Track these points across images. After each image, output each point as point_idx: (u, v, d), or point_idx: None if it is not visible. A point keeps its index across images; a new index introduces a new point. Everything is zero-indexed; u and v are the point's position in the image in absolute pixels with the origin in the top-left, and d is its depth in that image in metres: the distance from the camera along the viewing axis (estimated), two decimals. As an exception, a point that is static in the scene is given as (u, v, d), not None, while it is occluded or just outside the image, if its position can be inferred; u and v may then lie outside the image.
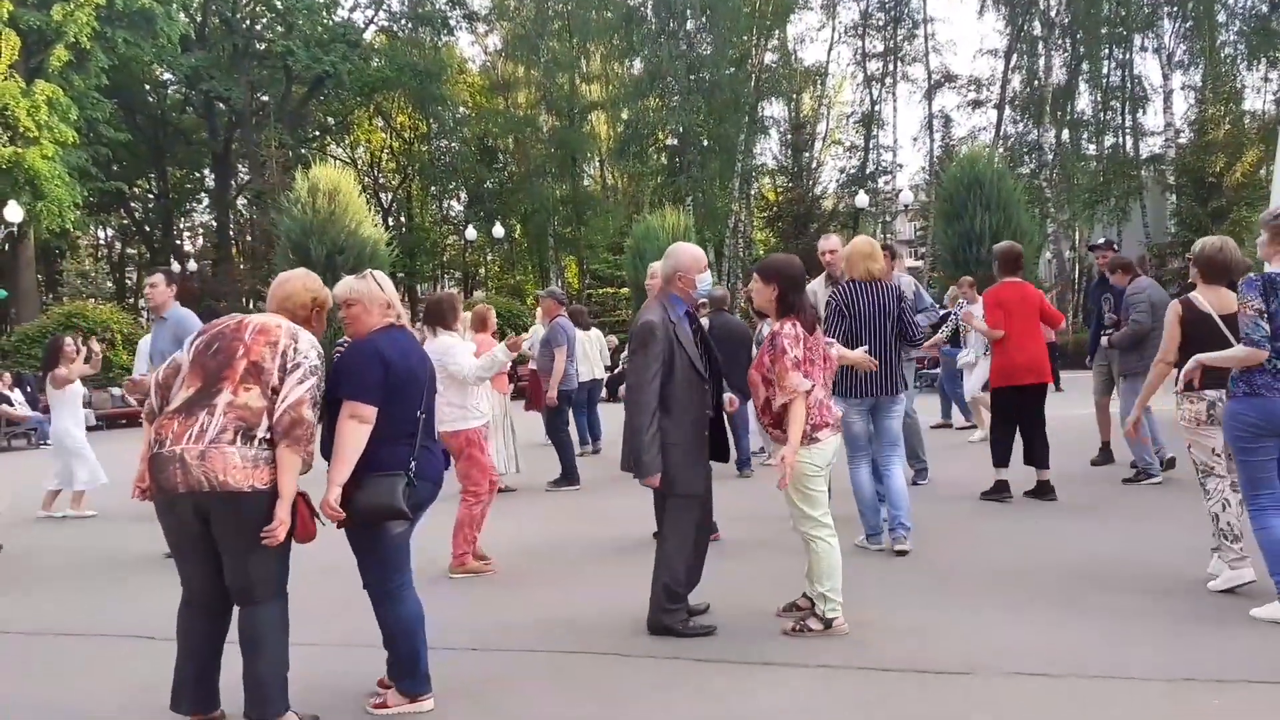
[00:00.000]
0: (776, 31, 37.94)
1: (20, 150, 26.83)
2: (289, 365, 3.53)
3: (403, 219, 45.86)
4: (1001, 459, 7.67)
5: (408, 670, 3.85)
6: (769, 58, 38.25)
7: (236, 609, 3.60)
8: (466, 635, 4.65)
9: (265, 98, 39.25)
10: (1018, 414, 7.62)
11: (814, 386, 4.58)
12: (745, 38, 36.74)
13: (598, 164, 42.42)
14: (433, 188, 45.16)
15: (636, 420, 4.70)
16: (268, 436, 3.48)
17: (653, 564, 4.88)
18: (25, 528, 8.77)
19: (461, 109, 43.50)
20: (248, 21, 39.85)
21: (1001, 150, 33.71)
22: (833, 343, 5.14)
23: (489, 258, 45.95)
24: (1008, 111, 37.60)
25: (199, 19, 38.54)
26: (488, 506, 6.30)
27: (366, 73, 39.39)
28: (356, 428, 3.63)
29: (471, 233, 35.26)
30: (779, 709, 3.78)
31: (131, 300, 38.71)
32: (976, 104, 39.03)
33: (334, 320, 4.12)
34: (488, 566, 6.16)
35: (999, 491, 7.64)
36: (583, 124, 39.43)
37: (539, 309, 10.59)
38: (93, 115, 29.93)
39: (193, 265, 37.17)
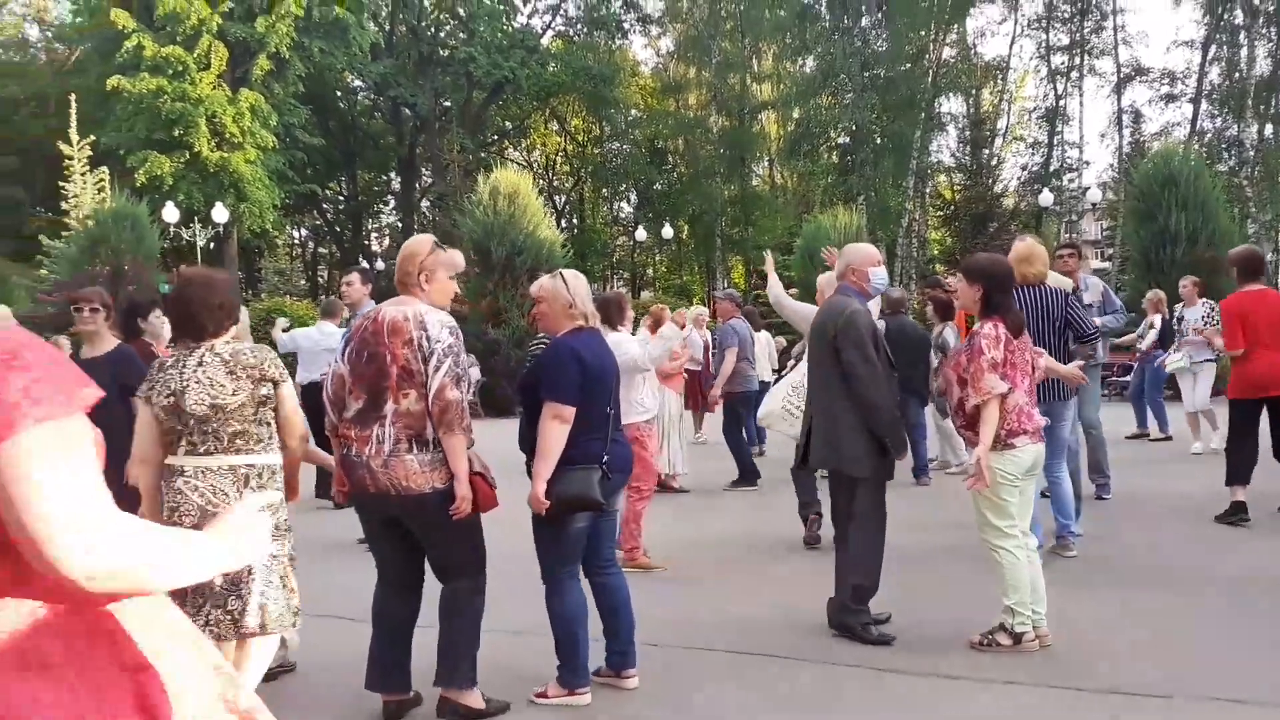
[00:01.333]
0: (955, 26, 36.77)
1: (226, 155, 28.78)
2: (425, 356, 3.68)
3: (574, 220, 46.81)
4: (1239, 476, 6.94)
5: (567, 661, 3.97)
6: (947, 52, 37.13)
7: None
8: (643, 631, 4.73)
9: (448, 103, 40.75)
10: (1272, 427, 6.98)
11: (1010, 390, 4.42)
12: (922, 33, 35.76)
13: (766, 163, 42.20)
14: (604, 190, 45.92)
15: (878, 404, 4.65)
16: (437, 438, 3.66)
17: (833, 565, 4.84)
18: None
19: (633, 111, 44.06)
20: (432, 29, 41.46)
21: (1197, 147, 31.69)
22: (1042, 352, 4.96)
23: (656, 258, 46.39)
24: (1204, 105, 35.34)
25: (387, 28, 40.37)
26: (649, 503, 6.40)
27: (543, 77, 40.37)
28: (558, 427, 3.80)
29: (642, 233, 35.67)
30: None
31: (323, 296, 40.88)
32: (1170, 98, 36.83)
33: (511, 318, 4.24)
34: (659, 563, 6.23)
35: (1236, 513, 6.85)
36: (752, 124, 39.29)
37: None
38: (290, 121, 31.77)
39: (380, 265, 38.94)
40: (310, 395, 8.68)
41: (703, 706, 3.95)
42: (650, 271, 47.48)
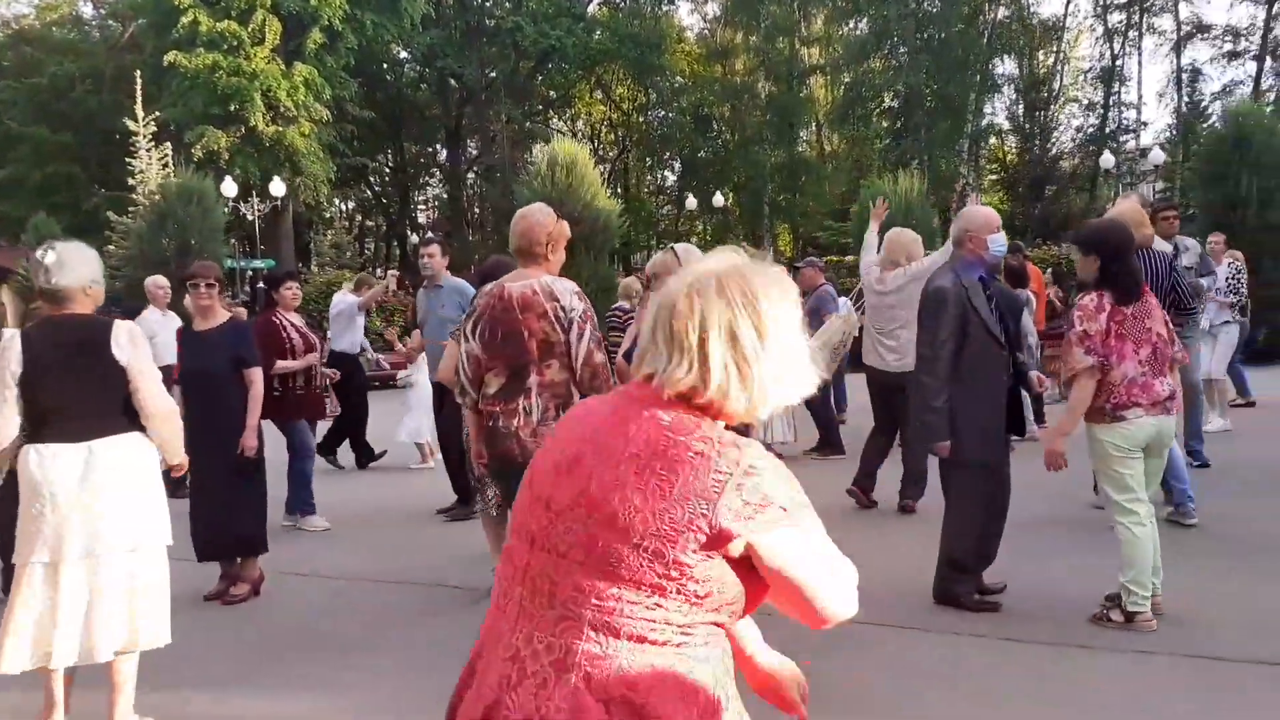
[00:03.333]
0: (1009, -16, 36.12)
1: (281, 128, 28.99)
2: (564, 326, 3.79)
3: (619, 189, 46.69)
4: None
5: None
6: (1002, 13, 36.45)
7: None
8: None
9: (494, 74, 40.68)
10: None
11: (1098, 363, 4.28)
12: (976, -8, 35.16)
13: (815, 129, 41.76)
14: (648, 158, 45.72)
15: (927, 389, 4.64)
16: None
17: (934, 531, 4.87)
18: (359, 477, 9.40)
19: (678, 79, 43.74)
20: (478, 0, 41.38)
21: (1269, 108, 30.93)
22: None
23: (701, 227, 46.21)
24: (1269, 63, 34.45)
25: (434, -1, 40.39)
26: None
27: (589, 45, 40.15)
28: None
29: (692, 201, 35.50)
30: (1101, 691, 3.70)
31: (374, 270, 41.20)
32: (1233, 55, 35.98)
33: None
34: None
35: None
36: (801, 88, 38.84)
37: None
38: (340, 94, 31.89)
39: (430, 235, 39.19)
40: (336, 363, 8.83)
41: (828, 676, 3.99)
42: (694, 240, 47.32)
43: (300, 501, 7.24)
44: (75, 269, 3.63)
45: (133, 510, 3.59)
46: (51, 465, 3.49)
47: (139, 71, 22.60)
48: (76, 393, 3.56)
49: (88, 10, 44.38)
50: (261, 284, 7.23)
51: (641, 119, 44.78)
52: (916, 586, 4.93)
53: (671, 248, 4.27)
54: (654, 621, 1.41)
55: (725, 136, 42.29)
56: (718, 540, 1.41)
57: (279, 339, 7.04)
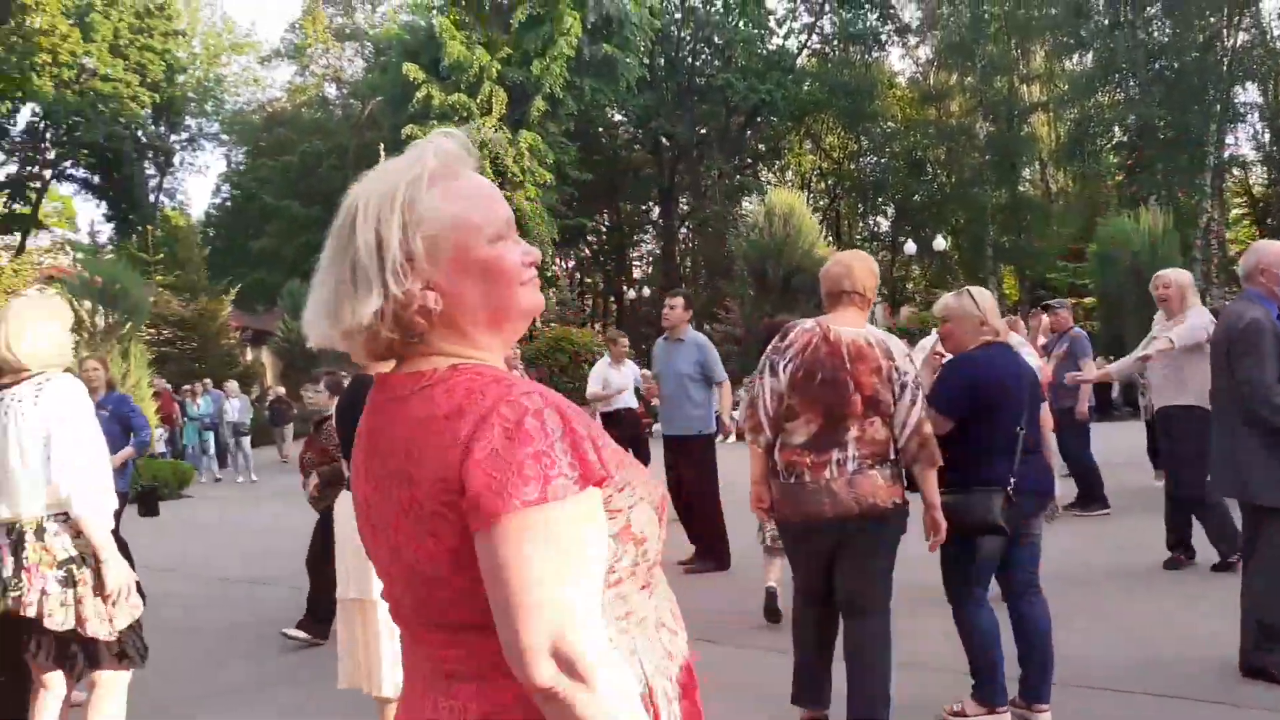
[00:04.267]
0: (1248, 9, 33.73)
1: (509, 194, 30.50)
2: (896, 388, 3.62)
3: (830, 238, 46.34)
4: None
5: (984, 678, 3.87)
6: (1242, 38, 34.06)
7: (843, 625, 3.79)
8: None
9: (705, 130, 41.43)
10: None
11: None
12: (1212, 19, 33.02)
13: (1039, 167, 40.18)
14: (860, 205, 45.23)
15: (1266, 417, 4.25)
16: (894, 457, 3.65)
17: (1231, 594, 4.48)
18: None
19: (890, 124, 43.20)
20: (690, 59, 42.36)
21: None
22: None
23: (916, 272, 45.12)
24: None
25: (646, 61, 41.64)
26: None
27: (799, 97, 40.34)
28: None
29: (911, 246, 34.68)
30: None
31: (596, 326, 42.54)
32: None
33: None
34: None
35: None
36: (1022, 127, 37.53)
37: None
38: (561, 159, 33.28)
39: (646, 291, 40.01)
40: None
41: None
42: (909, 286, 46.24)
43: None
44: None
45: None
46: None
47: (381, 146, 24.33)
48: None
49: (332, 91, 48.28)
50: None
51: (853, 166, 44.46)
52: (1207, 652, 4.55)
53: (966, 290, 4.09)
54: None
55: (941, 179, 41.34)
56: None
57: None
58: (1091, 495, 8.51)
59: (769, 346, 3.82)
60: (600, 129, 43.25)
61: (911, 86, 44.06)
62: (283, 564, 7.71)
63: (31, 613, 3.24)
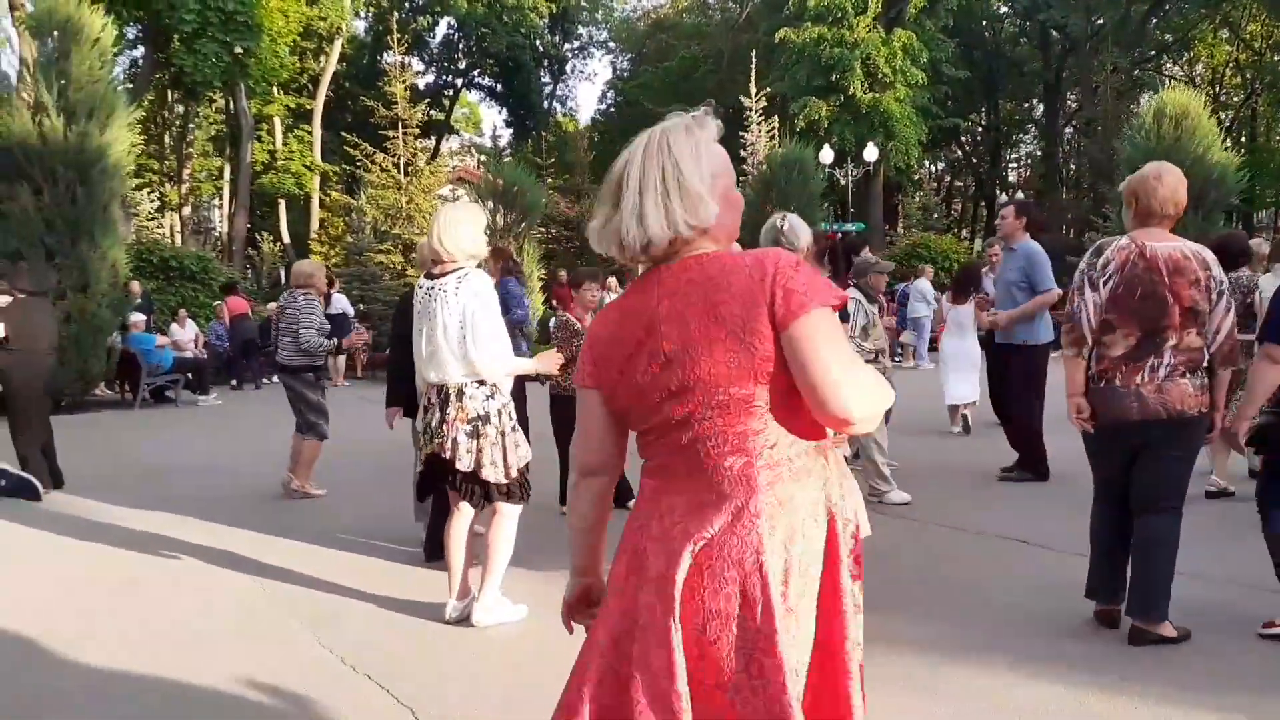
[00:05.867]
0: None
1: (878, 95, 30.05)
2: (1214, 295, 3.79)
3: (1243, 139, 41.13)
4: None
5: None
6: None
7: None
8: None
9: (1101, 21, 37.97)
10: None
11: None
12: None
13: None
14: (1284, 102, 39.63)
15: None
16: (1206, 365, 3.85)
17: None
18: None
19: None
20: (1087, -58, 38.77)
21: None
22: None
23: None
24: None
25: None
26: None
27: (1215, -21, 35.78)
28: (1270, 369, 3.76)
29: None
30: None
31: (963, 232, 41.09)
32: None
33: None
34: None
35: None
36: None
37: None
38: (937, 56, 32.09)
39: (1020, 195, 38.00)
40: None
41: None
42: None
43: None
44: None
45: None
46: None
47: (753, 51, 24.89)
48: None
49: (713, -6, 49.15)
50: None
51: (1277, 58, 38.85)
52: None
53: None
54: None
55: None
56: None
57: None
58: None
59: (1084, 263, 4.01)
60: (984, 22, 40.95)
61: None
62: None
63: (447, 455, 4.26)
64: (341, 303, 16.33)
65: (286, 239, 33.49)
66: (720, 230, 1.83)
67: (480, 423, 4.29)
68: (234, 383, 16.66)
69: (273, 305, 14.79)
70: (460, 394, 4.29)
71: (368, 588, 5.04)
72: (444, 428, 4.26)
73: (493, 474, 4.30)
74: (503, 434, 4.32)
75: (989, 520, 6.13)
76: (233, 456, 9.57)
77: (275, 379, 13.08)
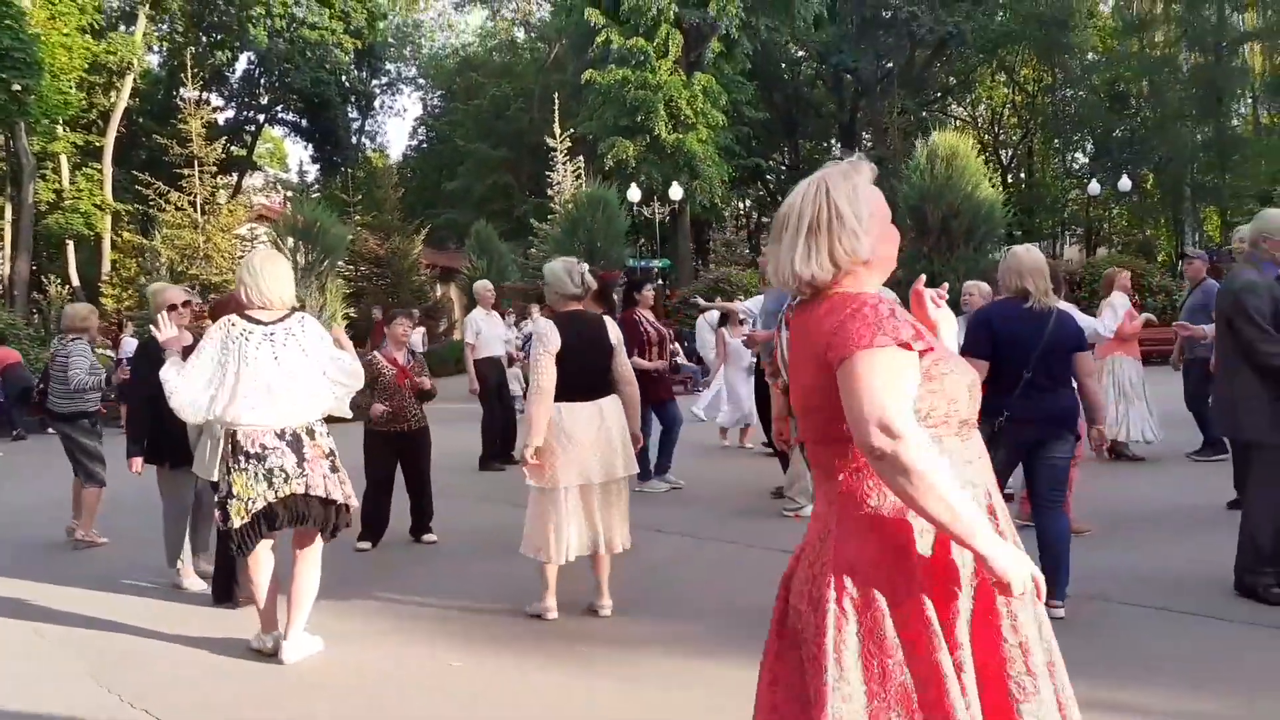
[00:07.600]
0: None
1: (681, 135, 31.15)
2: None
3: (1022, 175, 44.74)
4: None
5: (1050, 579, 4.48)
6: None
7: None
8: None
9: (889, 64, 40.60)
10: None
11: None
12: None
13: (1250, 102, 37.53)
14: (1055, 140, 43.37)
15: (1267, 365, 4.67)
16: None
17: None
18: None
19: (1090, 55, 41.11)
20: (873, -8, 41.43)
21: None
22: None
23: (1114, 212, 43.05)
24: None
25: (827, -4, 41.03)
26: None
27: (990, 29, 38.90)
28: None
29: (1095, 187, 33.33)
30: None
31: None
32: None
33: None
34: (1084, 526, 6.31)
35: None
36: (1232, 58, 35.12)
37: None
38: (737, 98, 33.54)
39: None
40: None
41: (1115, 651, 4.25)
42: (1106, 227, 44.18)
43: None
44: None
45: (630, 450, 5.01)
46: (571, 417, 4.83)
47: (558, 92, 25.43)
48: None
49: (520, 34, 49.81)
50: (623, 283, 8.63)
51: (1048, 99, 42.56)
52: (1214, 577, 5.02)
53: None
54: None
55: (1144, 114, 39.17)
56: None
57: (637, 333, 8.09)
58: (1208, 442, 8.64)
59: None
60: (783, 65, 43.01)
61: (1114, 14, 41.70)
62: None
63: (318, 492, 4.40)
64: (133, 346, 15.70)
65: (76, 282, 31.72)
66: (878, 262, 2.06)
67: (334, 457, 4.53)
68: (16, 432, 15.75)
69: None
70: (311, 433, 4.47)
71: (156, 629, 5.03)
72: (304, 466, 4.39)
73: (352, 504, 4.57)
74: (339, 469, 4.56)
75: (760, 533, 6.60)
76: (15, 508, 9.16)
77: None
